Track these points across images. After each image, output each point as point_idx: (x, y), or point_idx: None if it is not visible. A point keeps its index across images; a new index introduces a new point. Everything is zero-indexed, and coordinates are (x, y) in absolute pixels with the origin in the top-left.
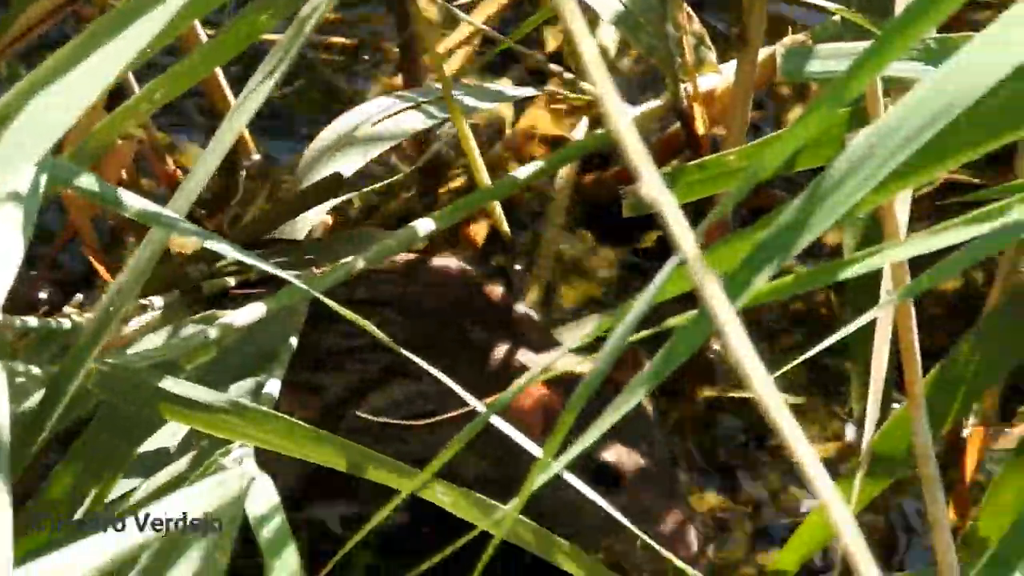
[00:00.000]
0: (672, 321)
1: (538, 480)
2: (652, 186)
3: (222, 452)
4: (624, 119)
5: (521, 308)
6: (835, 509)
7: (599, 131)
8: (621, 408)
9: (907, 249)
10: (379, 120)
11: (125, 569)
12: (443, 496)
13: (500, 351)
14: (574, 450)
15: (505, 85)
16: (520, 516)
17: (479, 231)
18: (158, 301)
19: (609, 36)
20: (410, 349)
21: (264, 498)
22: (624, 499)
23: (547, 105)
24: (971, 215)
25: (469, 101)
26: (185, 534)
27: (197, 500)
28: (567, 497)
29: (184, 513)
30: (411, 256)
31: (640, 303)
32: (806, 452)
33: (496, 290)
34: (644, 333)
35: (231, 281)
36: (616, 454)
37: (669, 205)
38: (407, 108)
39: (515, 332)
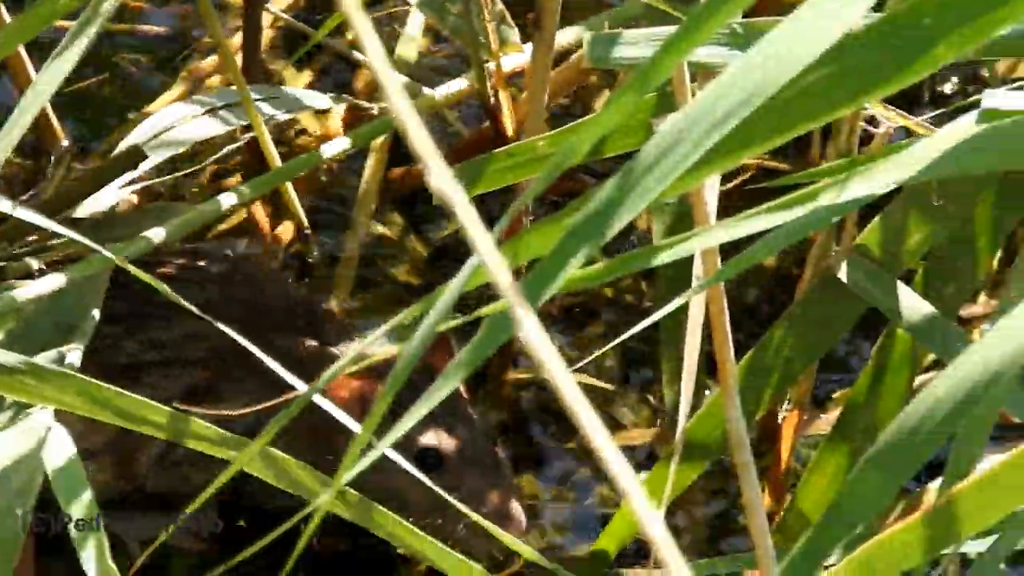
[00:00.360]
0: (483, 310)
1: (359, 464)
2: (439, 176)
3: (23, 416)
4: (405, 104)
5: (325, 305)
6: (637, 503)
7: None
8: (437, 393)
9: (715, 235)
10: (173, 127)
11: None
12: (266, 469)
13: (308, 353)
14: (393, 432)
15: (308, 79)
16: (346, 488)
17: (285, 231)
18: None
19: (417, 25)
20: (221, 361)
21: (61, 449)
22: (447, 480)
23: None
24: (778, 201)
25: (267, 108)
26: None
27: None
28: (389, 484)
29: None
30: (219, 254)
31: (447, 294)
32: (606, 445)
33: (300, 290)
34: (455, 322)
35: (33, 264)
36: (436, 437)
37: (458, 197)
38: (205, 113)
39: (320, 332)
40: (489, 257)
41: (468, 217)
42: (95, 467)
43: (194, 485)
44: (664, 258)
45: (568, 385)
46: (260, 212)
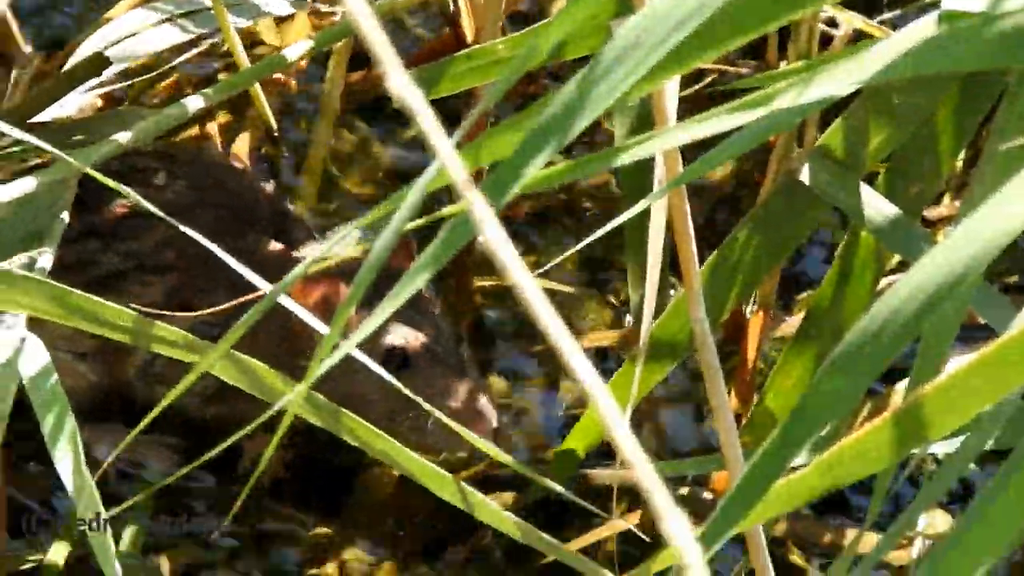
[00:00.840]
0: (445, 211)
1: (326, 364)
2: (397, 79)
3: None
4: (363, 6)
5: (291, 208)
6: (602, 404)
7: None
8: (401, 294)
9: (675, 135)
10: (135, 34)
11: None
12: (234, 372)
13: (276, 255)
14: (359, 332)
15: None
16: (313, 392)
17: (249, 137)
18: None
19: None
20: (195, 265)
21: (36, 358)
22: (415, 380)
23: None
24: (738, 102)
25: (231, 16)
26: None
27: None
28: (356, 390)
29: None
30: (189, 156)
31: (411, 194)
32: (570, 348)
33: (267, 189)
34: (419, 222)
35: None
36: (402, 337)
37: (416, 99)
38: (168, 19)
39: (289, 233)
40: (448, 158)
41: (426, 118)
42: (86, 368)
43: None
44: (625, 158)
45: (530, 289)
46: (222, 118)
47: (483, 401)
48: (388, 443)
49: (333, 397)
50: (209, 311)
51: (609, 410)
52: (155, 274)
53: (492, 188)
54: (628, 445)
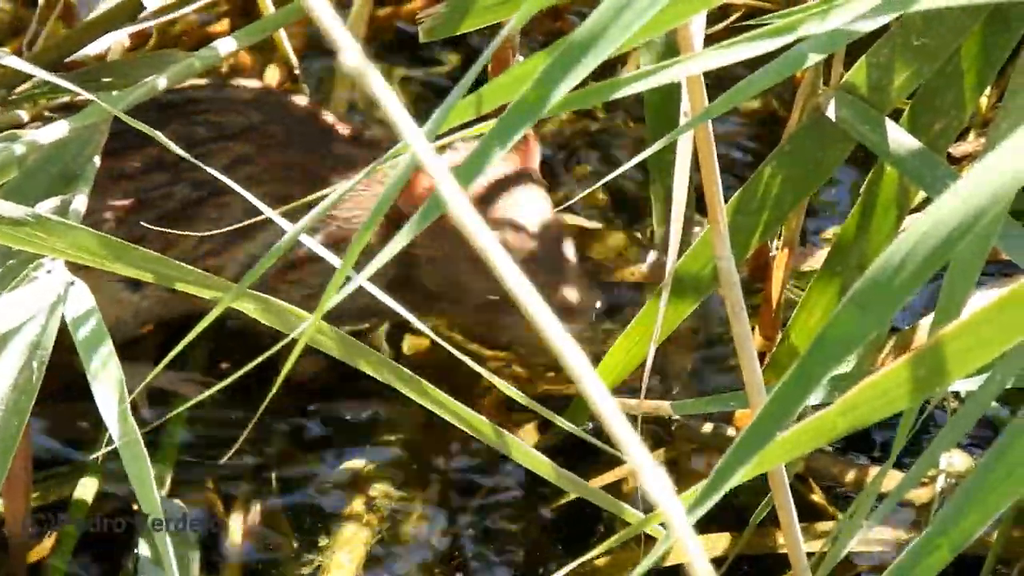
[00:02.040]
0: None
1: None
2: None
3: (34, 266)
4: None
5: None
6: (594, 394)
7: None
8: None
9: (699, 62)
10: None
11: None
12: (250, 306)
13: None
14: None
15: None
16: (321, 322)
17: (273, 74)
18: None
19: None
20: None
21: (80, 301)
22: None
23: None
24: (761, 30)
25: None
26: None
27: (11, 310)
28: (453, 276)
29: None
30: (254, 87)
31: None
32: (548, 321)
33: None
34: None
35: (24, 116)
36: (503, 235)
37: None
38: None
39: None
40: (414, 137)
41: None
42: (139, 297)
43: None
44: (649, 82)
45: (498, 258)
46: (247, 57)
47: (576, 292)
48: (414, 381)
49: (434, 279)
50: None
51: (594, 385)
52: (231, 194)
53: (515, 115)
54: (606, 406)
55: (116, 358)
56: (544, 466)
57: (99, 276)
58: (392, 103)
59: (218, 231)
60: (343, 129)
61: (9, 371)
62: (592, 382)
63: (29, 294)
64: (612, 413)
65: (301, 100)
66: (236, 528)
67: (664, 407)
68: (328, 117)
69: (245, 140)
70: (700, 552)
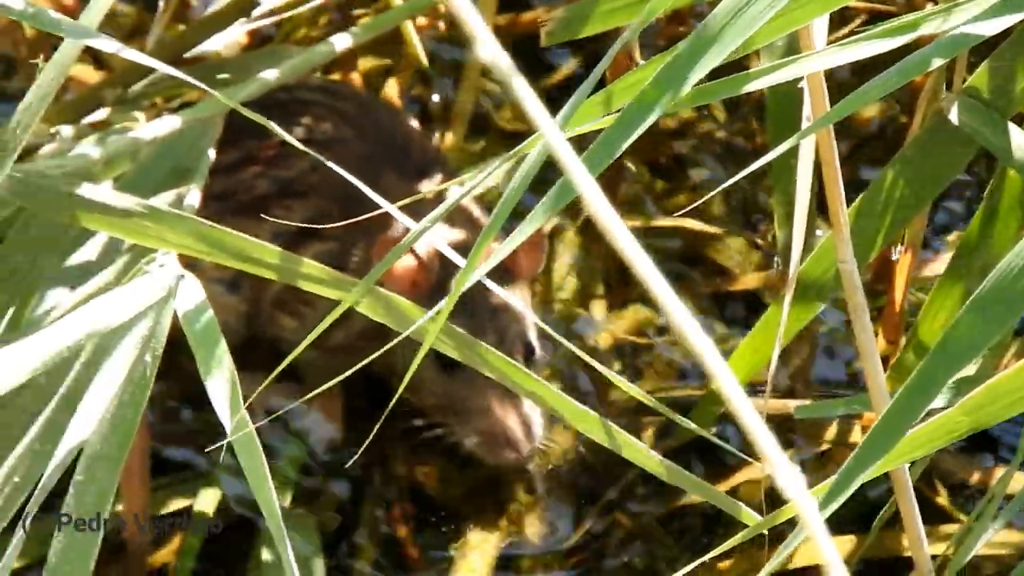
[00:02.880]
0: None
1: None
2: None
3: (147, 260)
4: None
5: (437, 150)
6: (723, 380)
7: None
8: (525, 231)
9: (821, 59)
10: None
11: (57, 375)
12: (372, 306)
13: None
14: (485, 267)
15: None
16: (448, 324)
17: (401, 78)
18: (67, 131)
19: None
20: (329, 196)
21: (192, 295)
22: (459, 385)
23: None
24: (882, 29)
25: None
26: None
27: (125, 303)
28: (418, 373)
29: (112, 318)
30: (350, 92)
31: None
32: (681, 314)
33: (417, 131)
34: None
35: (141, 118)
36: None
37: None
38: None
39: (428, 176)
40: (548, 129)
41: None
42: (238, 300)
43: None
44: (769, 80)
45: (634, 254)
46: (371, 62)
47: (519, 429)
48: (532, 380)
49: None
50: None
51: (731, 384)
52: (295, 198)
53: (634, 112)
54: (743, 406)
55: (228, 355)
56: (661, 468)
57: (201, 275)
58: (526, 92)
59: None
60: (421, 160)
61: (122, 365)
62: (728, 381)
63: (141, 288)
64: (748, 412)
65: (399, 123)
66: (363, 533)
67: (789, 408)
68: (416, 150)
69: (328, 150)
70: (832, 549)
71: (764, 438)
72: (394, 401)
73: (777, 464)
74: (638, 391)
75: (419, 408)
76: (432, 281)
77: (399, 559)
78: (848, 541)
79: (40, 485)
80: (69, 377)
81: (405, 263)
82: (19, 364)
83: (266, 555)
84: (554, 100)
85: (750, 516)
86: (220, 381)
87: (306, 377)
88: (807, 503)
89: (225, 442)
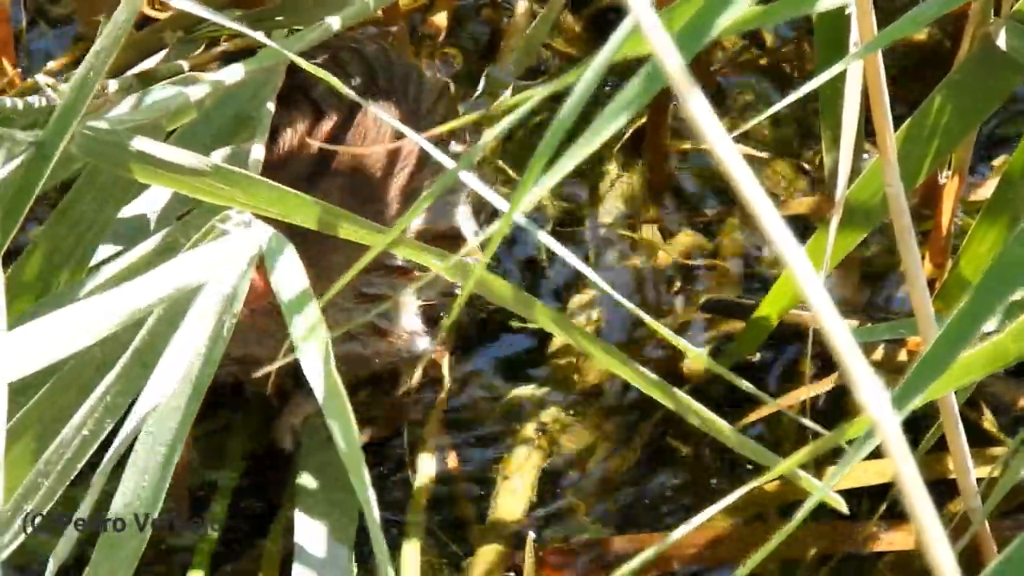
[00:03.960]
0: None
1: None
2: None
3: (220, 217)
4: None
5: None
6: (799, 270)
7: None
8: (593, 141)
9: None
10: None
11: (131, 332)
12: (412, 250)
13: None
14: (531, 199)
15: None
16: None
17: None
18: (113, 85)
19: None
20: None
21: (285, 259)
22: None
23: None
24: None
25: None
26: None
27: (206, 263)
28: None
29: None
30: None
31: (599, 58)
32: (766, 211)
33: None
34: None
35: (184, 65)
36: None
37: None
38: None
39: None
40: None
41: None
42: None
43: None
44: (817, 7)
45: (727, 151)
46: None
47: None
48: (577, 330)
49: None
50: None
51: (804, 270)
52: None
53: (685, 36)
54: (823, 308)
55: (323, 319)
56: (730, 436)
57: None
58: None
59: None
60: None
61: (202, 321)
62: (819, 293)
63: (226, 245)
64: (835, 324)
65: (422, 82)
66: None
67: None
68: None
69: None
70: (909, 457)
71: (839, 333)
72: None
73: (857, 370)
74: (682, 341)
75: None
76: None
77: (444, 481)
78: (894, 464)
79: (118, 440)
80: (143, 331)
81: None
82: (96, 319)
83: (306, 480)
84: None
85: (769, 457)
86: (312, 347)
87: None
88: (883, 407)
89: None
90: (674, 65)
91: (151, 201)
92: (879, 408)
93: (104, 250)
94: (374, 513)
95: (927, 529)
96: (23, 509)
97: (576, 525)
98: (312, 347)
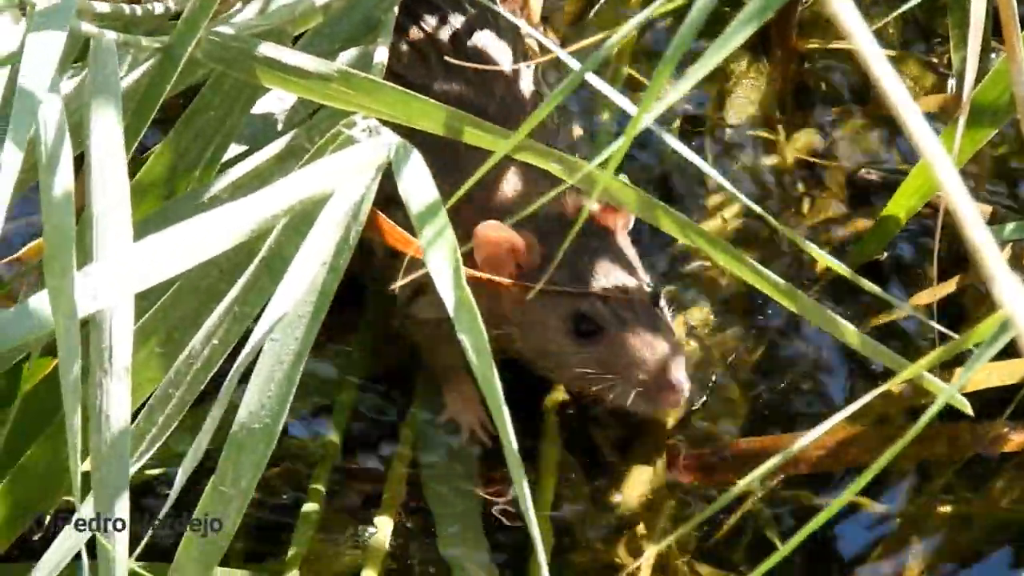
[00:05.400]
0: None
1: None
2: None
3: (345, 122)
4: None
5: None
6: (936, 159)
7: None
8: (716, 55)
9: None
10: None
11: (255, 241)
12: (534, 155)
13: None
14: (662, 103)
15: None
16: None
17: None
18: None
19: None
20: None
21: (412, 166)
22: (605, 347)
23: None
24: None
25: None
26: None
27: (334, 173)
28: (552, 348)
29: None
30: None
31: None
32: (906, 101)
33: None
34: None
35: None
36: (591, 303)
37: None
38: None
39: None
40: None
41: None
42: None
43: None
44: None
45: (869, 46)
46: None
47: (675, 370)
48: (717, 242)
49: (530, 348)
50: None
51: (942, 163)
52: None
53: None
54: (958, 196)
55: (451, 227)
56: (854, 336)
57: None
58: None
59: None
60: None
61: (330, 230)
62: (949, 176)
63: (354, 156)
64: (972, 214)
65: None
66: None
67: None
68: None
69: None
70: None
71: (976, 225)
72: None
73: (986, 251)
74: (815, 249)
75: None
76: (537, 262)
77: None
78: (1021, 365)
79: (245, 351)
80: (271, 240)
81: (503, 234)
82: (224, 229)
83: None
84: None
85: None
86: (441, 254)
87: (429, 360)
88: (1020, 300)
89: None
90: None
91: (276, 103)
92: (1016, 300)
93: (229, 152)
94: (506, 420)
95: None
96: (155, 420)
97: (705, 427)
98: (440, 254)
